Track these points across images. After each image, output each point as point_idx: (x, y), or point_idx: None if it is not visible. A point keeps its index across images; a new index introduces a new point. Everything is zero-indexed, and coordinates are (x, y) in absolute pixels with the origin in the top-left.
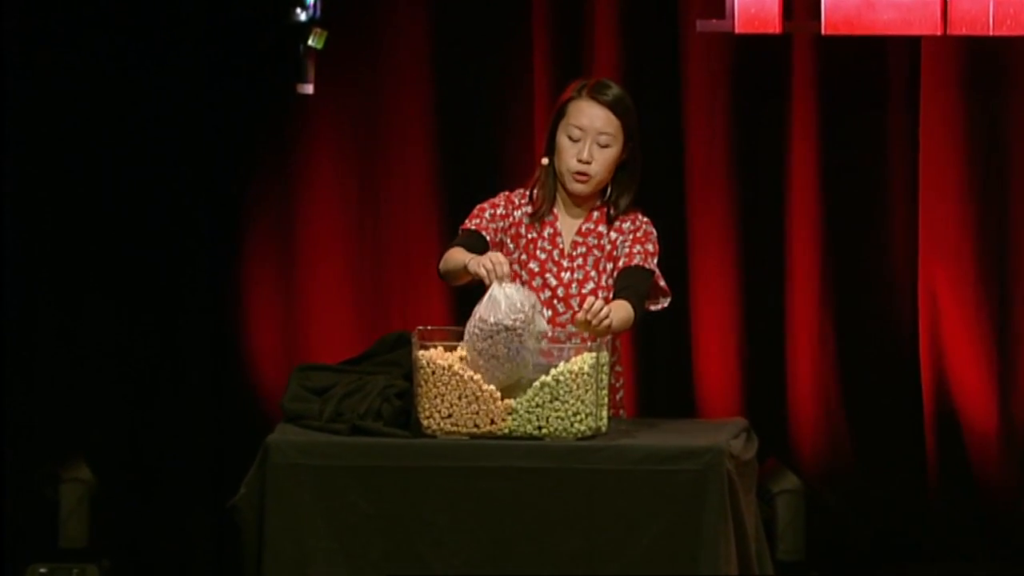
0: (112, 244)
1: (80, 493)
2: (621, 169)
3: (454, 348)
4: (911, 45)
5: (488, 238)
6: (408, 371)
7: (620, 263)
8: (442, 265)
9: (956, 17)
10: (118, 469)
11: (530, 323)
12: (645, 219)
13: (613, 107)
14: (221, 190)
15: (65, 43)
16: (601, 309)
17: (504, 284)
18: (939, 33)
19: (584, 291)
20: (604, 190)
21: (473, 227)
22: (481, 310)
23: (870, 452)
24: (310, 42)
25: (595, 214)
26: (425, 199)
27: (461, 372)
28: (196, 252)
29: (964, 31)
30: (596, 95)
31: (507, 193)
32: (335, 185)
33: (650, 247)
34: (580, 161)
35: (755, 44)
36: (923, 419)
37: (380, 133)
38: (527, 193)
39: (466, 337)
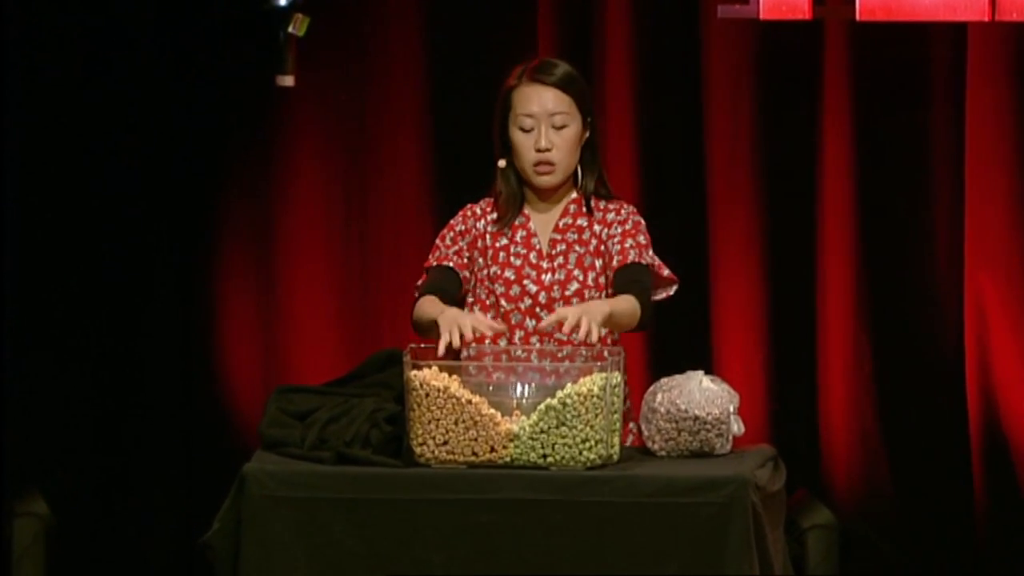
0: (70, 254)
1: (35, 529)
2: (584, 149)
3: (450, 368)
4: (956, 32)
5: (454, 264)
6: (399, 393)
7: (613, 262)
8: (415, 320)
9: (1005, 1)
10: (77, 503)
11: (723, 423)
12: (629, 207)
13: (560, 85)
14: (192, 194)
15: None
16: (576, 322)
17: (707, 377)
18: (987, 19)
19: (568, 293)
20: (575, 177)
21: (436, 262)
22: (674, 391)
23: (910, 482)
24: (291, 29)
25: (571, 207)
26: (418, 202)
27: (458, 395)
28: (164, 262)
29: (1015, 17)
30: (539, 77)
31: (470, 205)
32: (319, 187)
33: (642, 239)
34: (539, 150)
35: (782, 31)
36: (969, 445)
37: (368, 130)
38: (491, 201)
39: (647, 406)
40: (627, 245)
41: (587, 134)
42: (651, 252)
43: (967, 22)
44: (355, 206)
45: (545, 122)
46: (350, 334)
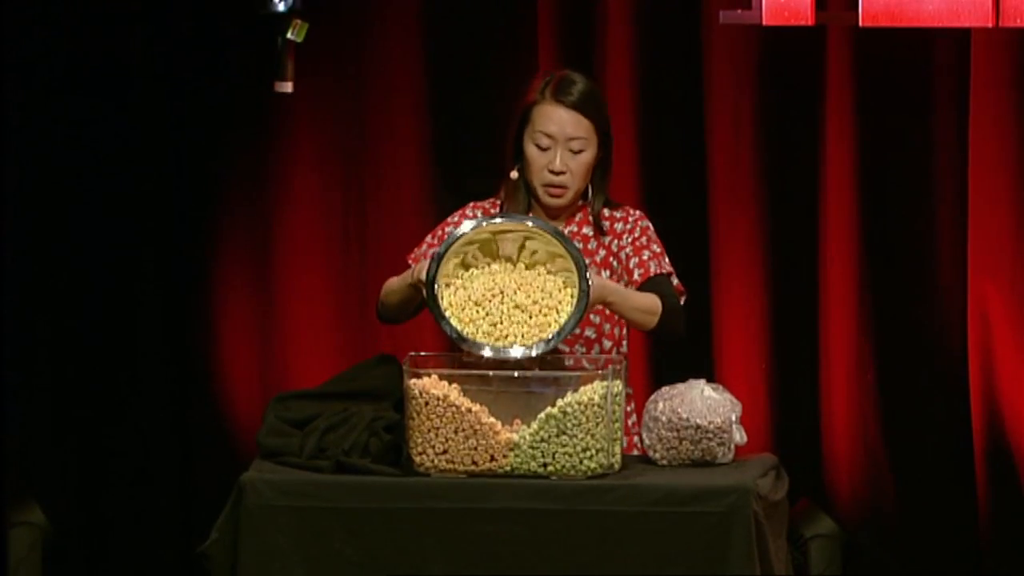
0: (66, 262)
1: (32, 538)
2: (596, 168)
3: (449, 377)
4: (959, 38)
5: None
6: (398, 401)
7: (635, 275)
8: (382, 297)
9: (1009, 7)
10: (74, 512)
11: (725, 432)
12: (635, 213)
13: (581, 107)
14: (189, 201)
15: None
16: None
17: (709, 385)
18: (990, 25)
19: None
20: (584, 192)
21: (413, 260)
22: (676, 399)
23: (914, 492)
24: (289, 35)
25: (577, 215)
26: (417, 208)
27: (458, 403)
28: (161, 269)
29: (1019, 23)
30: (561, 97)
31: (473, 204)
32: (317, 194)
33: (656, 248)
34: (553, 172)
35: (785, 37)
36: (973, 455)
37: (367, 135)
38: (497, 203)
39: (649, 414)
40: (644, 257)
41: (600, 155)
42: (667, 260)
43: (971, 28)
44: (354, 213)
45: (562, 145)
46: (348, 342)
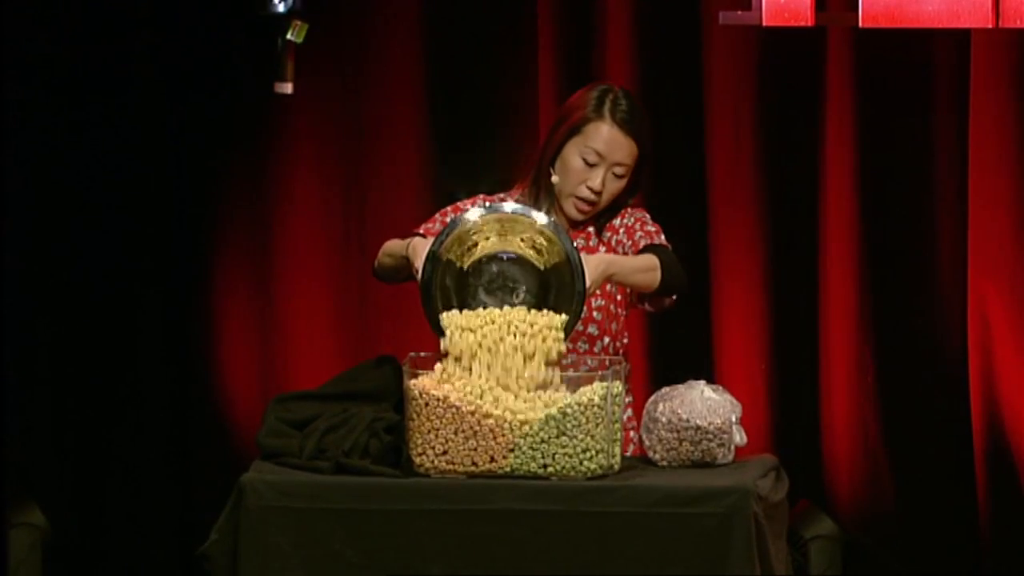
0: (65, 264)
1: (32, 539)
2: (624, 193)
3: (448, 377)
4: (959, 39)
5: None
6: (399, 402)
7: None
8: (379, 258)
9: (1009, 8)
10: (74, 513)
11: (725, 433)
12: (633, 210)
13: (636, 135)
14: (188, 202)
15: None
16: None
17: (709, 386)
18: (990, 26)
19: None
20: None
21: (423, 232)
22: (676, 400)
23: (914, 492)
24: (289, 36)
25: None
26: (418, 211)
27: (458, 404)
28: (161, 270)
29: (1019, 24)
30: (620, 120)
31: (483, 197)
32: (317, 194)
33: (650, 227)
34: (592, 190)
35: (785, 38)
36: (973, 456)
37: (367, 136)
38: (506, 199)
39: (648, 415)
40: (637, 237)
41: (629, 183)
42: (663, 237)
43: (970, 29)
44: (353, 213)
45: (607, 166)
46: (348, 345)
